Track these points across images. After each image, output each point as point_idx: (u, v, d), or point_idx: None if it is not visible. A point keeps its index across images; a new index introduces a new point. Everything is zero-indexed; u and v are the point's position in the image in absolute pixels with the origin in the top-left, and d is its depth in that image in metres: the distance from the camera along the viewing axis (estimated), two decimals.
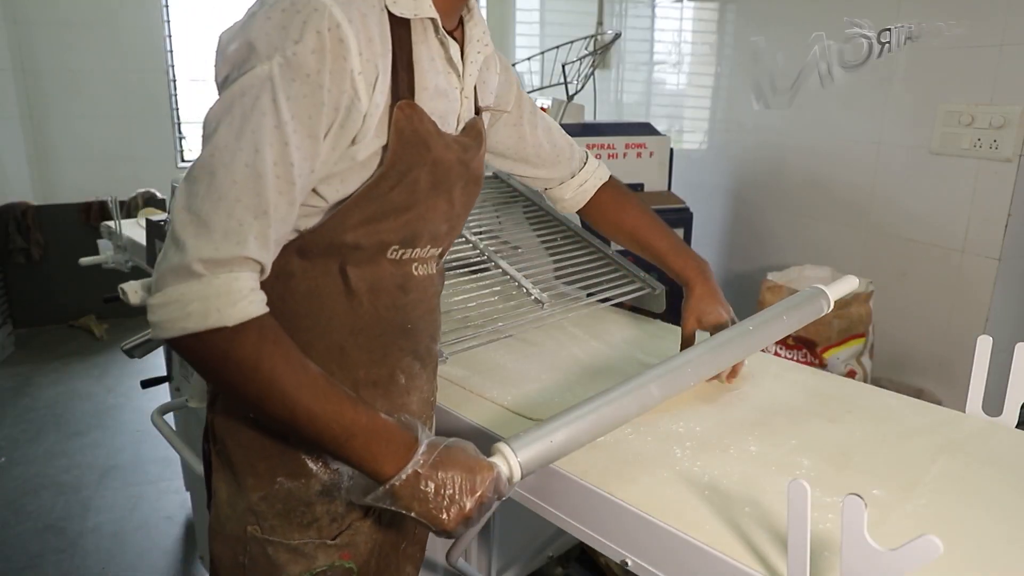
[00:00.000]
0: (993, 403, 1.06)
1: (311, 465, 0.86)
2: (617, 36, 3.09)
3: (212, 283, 0.66)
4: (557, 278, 1.49)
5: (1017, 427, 1.05)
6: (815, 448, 0.97)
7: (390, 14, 0.77)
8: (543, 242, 1.58)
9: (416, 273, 0.89)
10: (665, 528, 0.80)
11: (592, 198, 1.26)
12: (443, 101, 0.85)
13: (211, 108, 0.70)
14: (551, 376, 1.22)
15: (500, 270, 1.40)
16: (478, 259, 1.43)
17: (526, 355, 1.30)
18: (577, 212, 1.29)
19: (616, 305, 1.48)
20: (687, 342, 1.18)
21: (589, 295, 1.43)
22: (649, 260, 1.27)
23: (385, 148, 0.78)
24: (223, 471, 0.89)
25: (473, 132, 0.92)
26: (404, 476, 0.71)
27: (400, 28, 0.79)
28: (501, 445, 0.79)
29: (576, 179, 1.24)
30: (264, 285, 0.72)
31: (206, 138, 0.70)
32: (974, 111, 2.13)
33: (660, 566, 0.82)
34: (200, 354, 0.69)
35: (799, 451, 0.97)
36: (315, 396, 0.70)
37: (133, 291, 0.81)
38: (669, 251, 1.21)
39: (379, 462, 0.72)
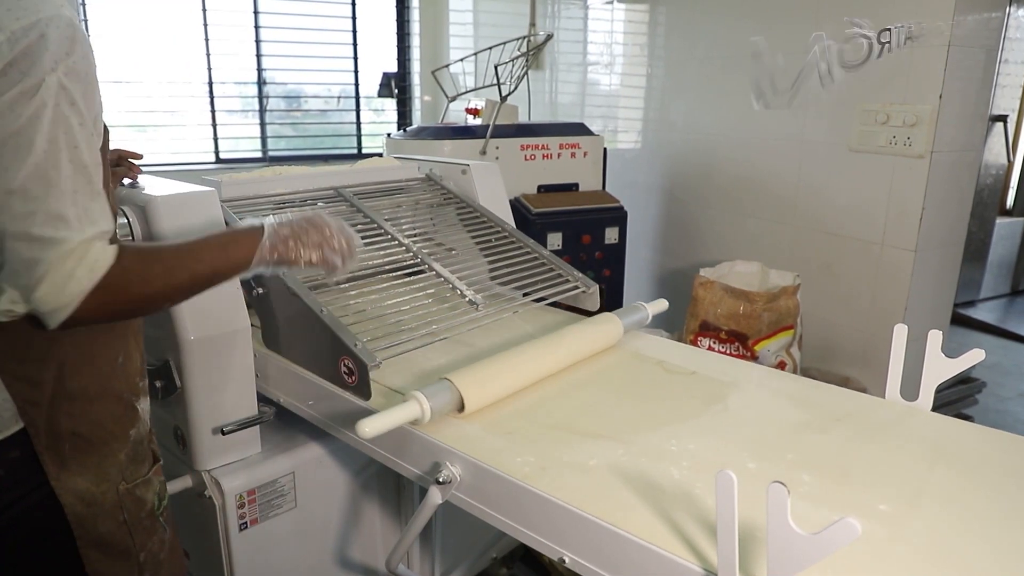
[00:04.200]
0: (913, 388, 1.11)
1: (139, 407, 1.00)
2: (549, 37, 3.12)
3: (80, 249, 0.79)
4: (492, 279, 1.49)
5: (932, 410, 1.10)
6: (813, 462, 0.94)
7: None
8: (477, 243, 1.57)
9: None
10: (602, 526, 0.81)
11: None
12: None
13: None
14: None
15: (434, 272, 1.39)
16: (411, 262, 1.42)
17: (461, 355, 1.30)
18: None
19: (552, 304, 1.48)
20: None
21: (524, 295, 1.44)
22: None
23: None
24: (72, 466, 0.93)
25: None
26: (266, 243, 0.96)
27: None
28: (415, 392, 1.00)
29: None
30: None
31: (22, 151, 0.76)
32: (889, 110, 2.23)
33: None
34: (111, 295, 0.82)
35: (798, 466, 0.93)
36: (193, 252, 0.91)
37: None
38: None
39: (251, 247, 0.95)
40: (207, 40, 3.70)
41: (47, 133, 0.77)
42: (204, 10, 3.65)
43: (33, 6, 0.77)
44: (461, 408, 1.04)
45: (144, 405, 1.03)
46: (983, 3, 2.10)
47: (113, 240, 0.85)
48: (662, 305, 1.45)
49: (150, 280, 0.86)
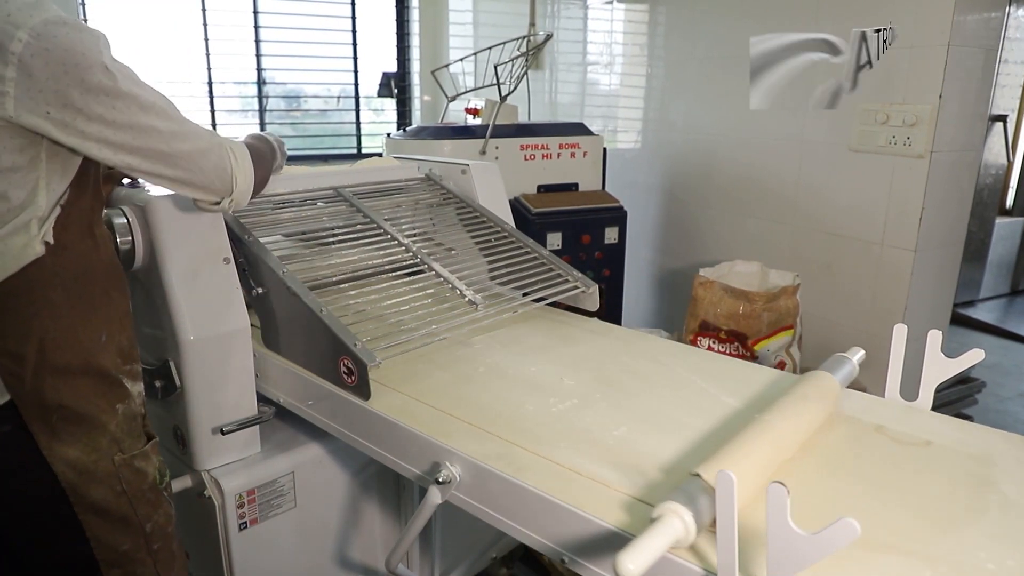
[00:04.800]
0: (913, 388, 1.11)
1: (127, 384, 1.04)
2: (549, 37, 3.12)
3: (227, 144, 1.11)
4: (492, 279, 1.49)
5: (931, 410, 1.10)
6: None
7: None
8: (477, 243, 1.57)
9: None
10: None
11: None
12: None
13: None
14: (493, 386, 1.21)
15: (433, 272, 1.39)
16: (411, 262, 1.42)
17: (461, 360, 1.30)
18: None
19: (551, 304, 1.48)
20: None
21: (524, 295, 1.44)
22: None
23: None
24: (63, 436, 0.98)
25: None
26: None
27: None
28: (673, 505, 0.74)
29: None
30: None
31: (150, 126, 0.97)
32: (888, 110, 2.23)
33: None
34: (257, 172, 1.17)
35: None
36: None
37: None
38: None
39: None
40: (207, 40, 3.70)
41: (145, 102, 0.94)
42: (204, 10, 3.65)
43: (38, 3, 0.85)
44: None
45: (133, 387, 1.06)
46: (983, 3, 2.10)
47: None
48: (859, 353, 1.18)
49: (261, 164, 1.19)
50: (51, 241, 0.94)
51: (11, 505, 1.00)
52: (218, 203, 1.14)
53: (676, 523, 0.72)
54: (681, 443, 1.01)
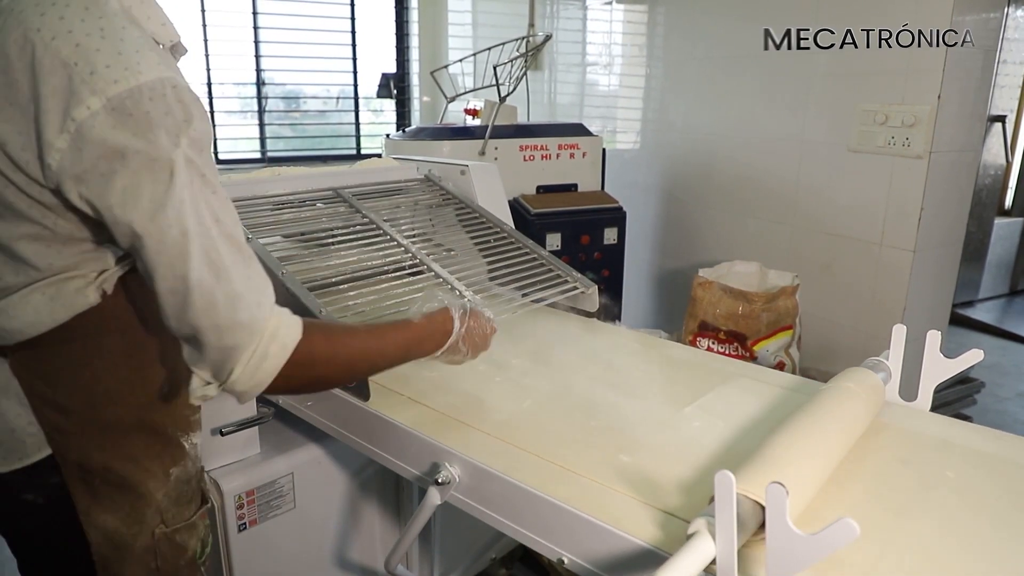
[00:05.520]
0: (912, 388, 1.10)
1: (185, 444, 0.94)
2: (548, 38, 3.12)
3: (270, 326, 0.77)
4: (491, 280, 1.49)
5: (931, 411, 1.10)
6: None
7: None
8: (476, 244, 1.57)
9: None
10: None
11: None
12: None
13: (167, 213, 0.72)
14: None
15: (432, 273, 1.39)
16: (410, 262, 1.42)
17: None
18: None
19: (550, 305, 1.48)
20: None
21: (523, 296, 1.43)
22: None
23: None
24: (104, 502, 0.87)
25: None
26: (443, 349, 1.03)
27: None
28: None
29: None
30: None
31: (182, 244, 0.73)
32: (888, 111, 2.23)
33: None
34: (297, 370, 0.81)
35: None
36: (376, 345, 0.94)
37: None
38: None
39: (431, 349, 1.02)
40: (206, 41, 3.70)
41: (194, 217, 0.73)
42: (203, 11, 3.65)
43: (133, 65, 0.70)
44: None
45: (196, 439, 0.96)
46: (982, 3, 2.10)
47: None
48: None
49: (334, 361, 0.88)
50: (108, 291, 0.82)
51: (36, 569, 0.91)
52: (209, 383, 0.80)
53: (707, 543, 0.69)
54: (680, 449, 1.01)
